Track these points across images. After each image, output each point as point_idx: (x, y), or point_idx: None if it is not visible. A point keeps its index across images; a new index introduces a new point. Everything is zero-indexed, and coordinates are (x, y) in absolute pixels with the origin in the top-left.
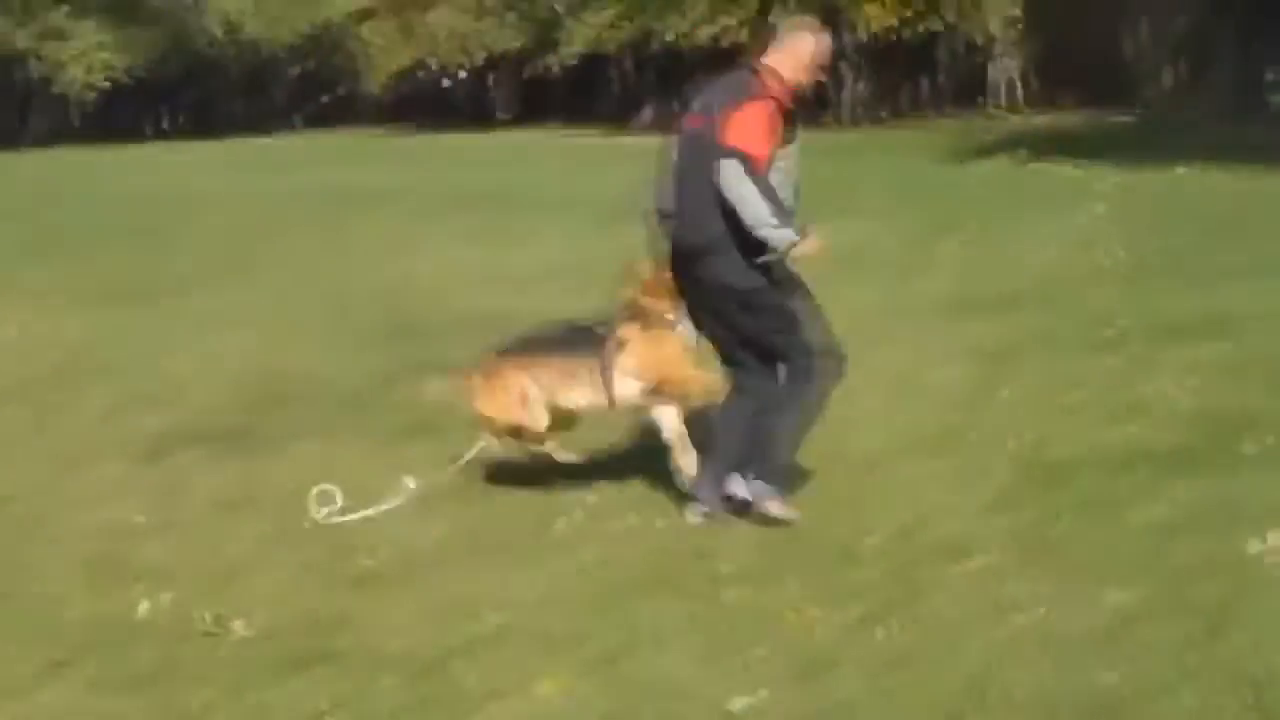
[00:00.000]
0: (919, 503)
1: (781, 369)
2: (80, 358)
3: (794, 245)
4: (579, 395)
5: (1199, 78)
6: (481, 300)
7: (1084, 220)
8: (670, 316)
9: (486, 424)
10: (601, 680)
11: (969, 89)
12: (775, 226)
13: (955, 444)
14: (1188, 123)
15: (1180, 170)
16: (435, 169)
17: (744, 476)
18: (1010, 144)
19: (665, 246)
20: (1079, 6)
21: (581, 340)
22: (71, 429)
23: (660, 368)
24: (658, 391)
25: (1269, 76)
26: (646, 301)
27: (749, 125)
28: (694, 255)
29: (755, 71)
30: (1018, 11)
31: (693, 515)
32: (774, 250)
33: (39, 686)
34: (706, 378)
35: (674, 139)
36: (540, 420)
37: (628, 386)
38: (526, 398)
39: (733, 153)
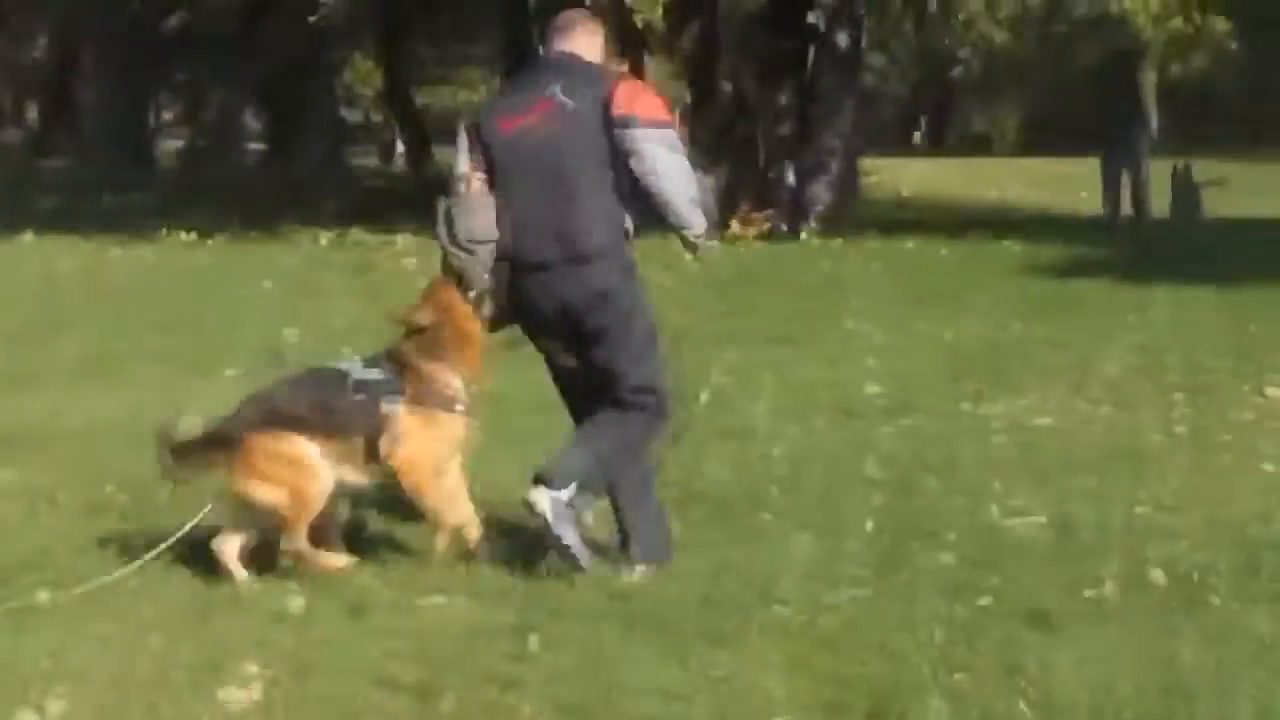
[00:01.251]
0: None
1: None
2: None
3: (703, 234)
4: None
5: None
6: None
7: None
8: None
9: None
10: None
11: None
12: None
13: None
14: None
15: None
16: None
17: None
18: None
19: (489, 282)
20: None
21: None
22: None
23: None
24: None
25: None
26: (427, 366)
27: (647, 96)
28: (564, 267)
29: (586, 62)
30: None
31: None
32: (694, 237)
33: None
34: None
35: (483, 148)
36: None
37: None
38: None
39: (655, 121)
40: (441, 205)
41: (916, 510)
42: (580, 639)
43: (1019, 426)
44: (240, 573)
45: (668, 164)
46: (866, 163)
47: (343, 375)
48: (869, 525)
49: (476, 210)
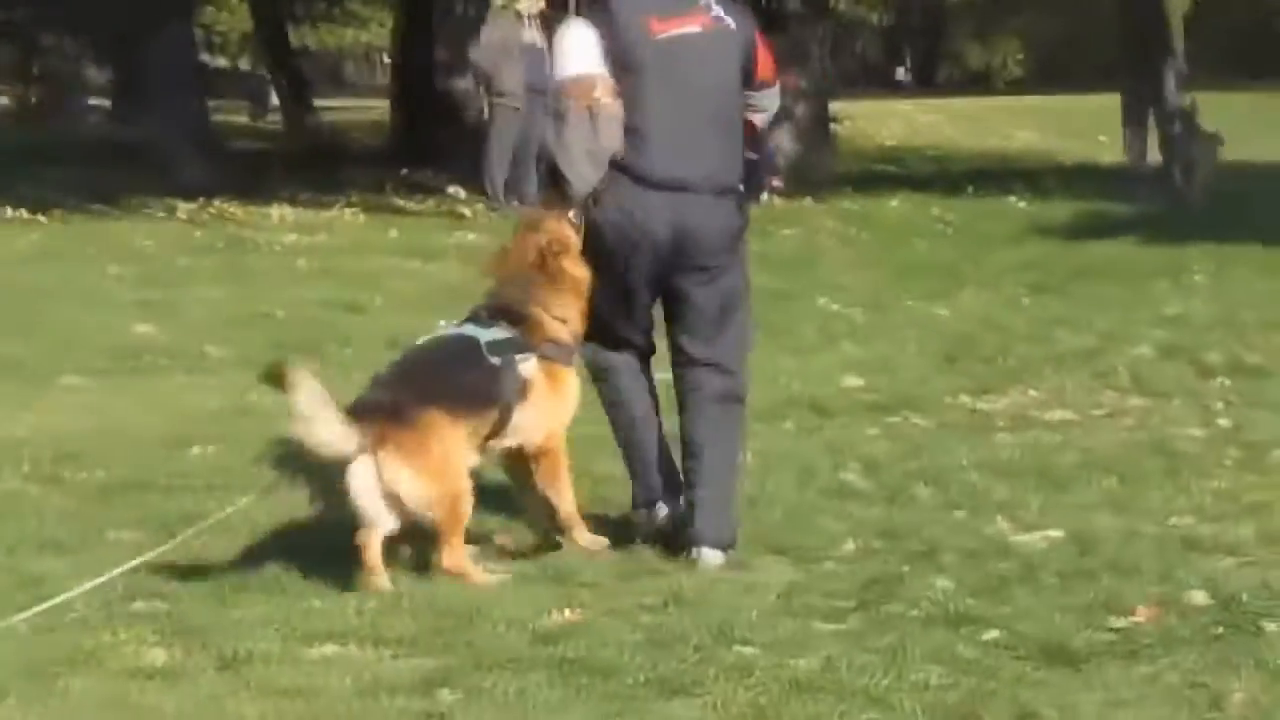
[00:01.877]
0: None
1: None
2: None
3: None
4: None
5: None
6: None
7: None
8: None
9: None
10: None
11: None
12: None
13: None
14: None
15: None
16: None
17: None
18: None
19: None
20: None
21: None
22: None
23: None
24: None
25: None
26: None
27: (769, 54)
28: (704, 194)
29: None
30: None
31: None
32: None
33: None
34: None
35: (617, 47)
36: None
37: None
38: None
39: (775, 83)
40: (562, 117)
41: (906, 526)
42: (503, 692)
43: (1029, 423)
44: (382, 577)
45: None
46: (839, 106)
47: (473, 341)
48: (849, 545)
49: (614, 121)
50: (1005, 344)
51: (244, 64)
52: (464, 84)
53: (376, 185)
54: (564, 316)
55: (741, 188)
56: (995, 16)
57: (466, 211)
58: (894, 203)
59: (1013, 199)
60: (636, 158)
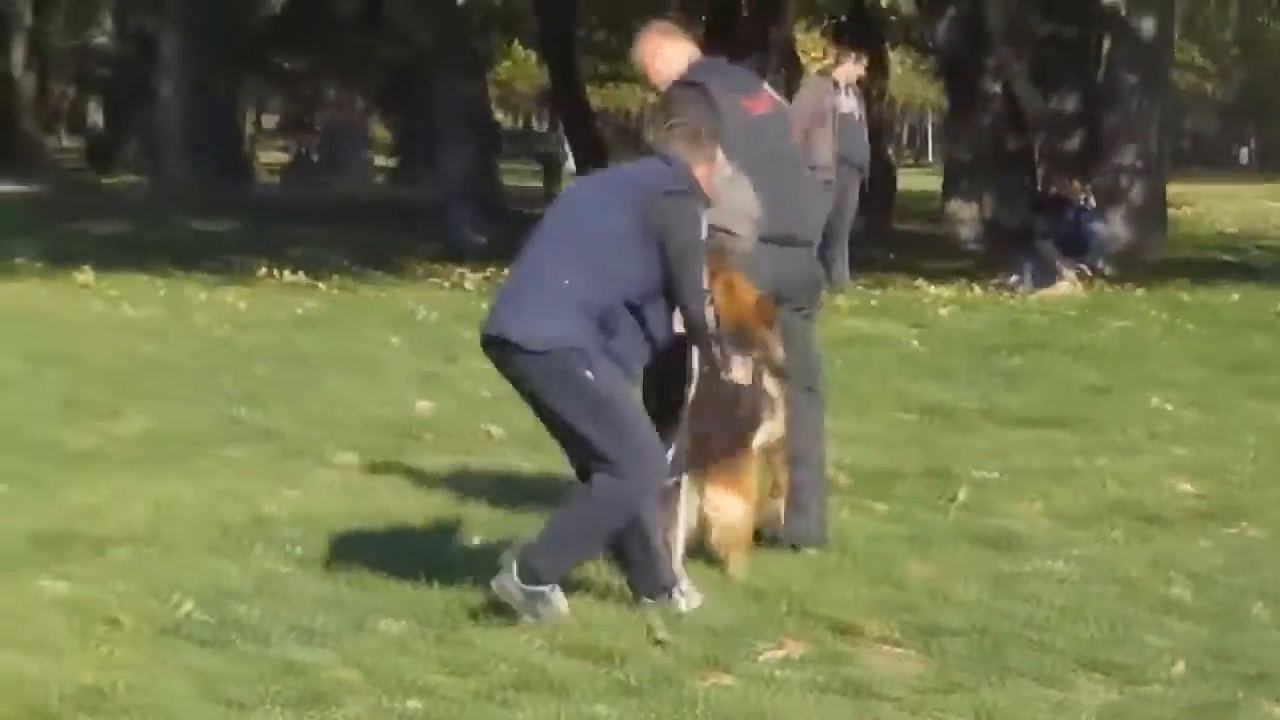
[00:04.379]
0: None
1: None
2: None
3: None
4: None
5: None
6: None
7: None
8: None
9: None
10: None
11: None
12: None
13: None
14: None
15: None
16: None
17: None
18: None
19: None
20: None
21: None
22: None
23: None
24: None
25: None
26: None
27: None
28: (805, 247)
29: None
30: None
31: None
32: None
33: None
34: None
35: (744, 128)
36: None
37: None
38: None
39: None
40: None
41: (1240, 647)
42: None
43: None
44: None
45: None
46: (1176, 189)
47: None
48: (1177, 668)
49: (746, 185)
50: None
51: (537, 124)
52: None
53: None
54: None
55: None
56: None
57: None
58: (1233, 296)
59: None
60: (767, 221)
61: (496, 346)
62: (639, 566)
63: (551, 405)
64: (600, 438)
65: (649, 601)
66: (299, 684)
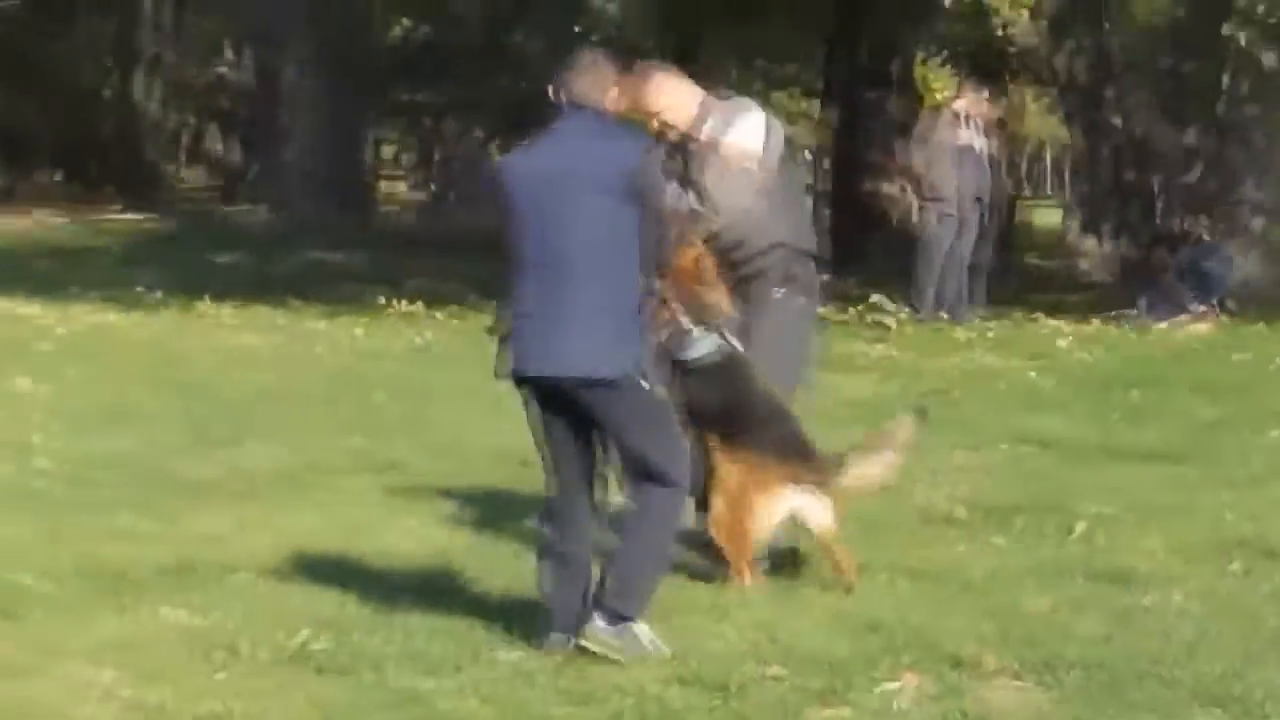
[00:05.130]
0: None
1: None
2: None
3: None
4: None
5: None
6: None
7: None
8: None
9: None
10: None
11: None
12: None
13: None
14: None
15: None
16: None
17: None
18: None
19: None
20: None
21: None
22: None
23: None
24: None
25: None
26: None
27: None
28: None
29: None
30: None
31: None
32: None
33: None
34: None
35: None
36: None
37: None
38: None
39: None
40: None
41: None
42: None
43: None
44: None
45: None
46: None
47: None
48: None
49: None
50: None
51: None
52: (893, 187)
53: None
54: None
55: None
56: None
57: (891, 323)
58: None
59: None
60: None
61: (550, 383)
62: (629, 584)
63: (615, 428)
64: (657, 453)
65: (600, 626)
66: (418, 713)
